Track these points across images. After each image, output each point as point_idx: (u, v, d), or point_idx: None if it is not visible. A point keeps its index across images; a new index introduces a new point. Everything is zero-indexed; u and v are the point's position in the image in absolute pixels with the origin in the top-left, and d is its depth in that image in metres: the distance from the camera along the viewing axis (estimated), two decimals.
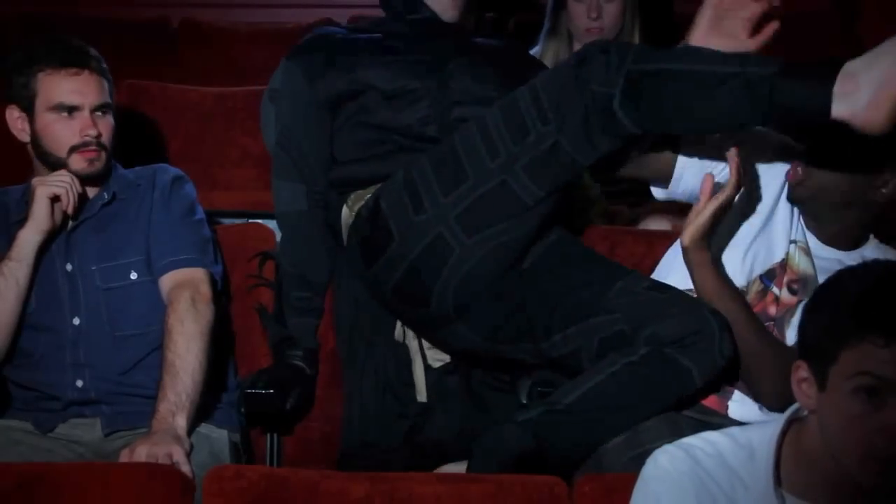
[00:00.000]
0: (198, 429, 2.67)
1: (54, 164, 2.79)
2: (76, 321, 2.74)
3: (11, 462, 2.50)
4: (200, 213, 2.88)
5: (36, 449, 2.66)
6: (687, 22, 4.46)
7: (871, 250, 2.62)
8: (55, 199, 2.73)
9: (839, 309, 1.74)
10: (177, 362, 2.66)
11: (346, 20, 4.62)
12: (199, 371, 2.67)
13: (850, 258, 2.58)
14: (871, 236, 2.64)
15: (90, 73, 2.78)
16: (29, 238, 2.72)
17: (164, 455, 2.50)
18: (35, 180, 2.76)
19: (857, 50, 4.58)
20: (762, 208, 2.62)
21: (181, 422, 2.60)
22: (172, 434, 2.56)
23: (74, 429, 2.71)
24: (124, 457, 2.52)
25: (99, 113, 2.79)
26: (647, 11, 3.57)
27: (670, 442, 2.45)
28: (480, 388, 2.82)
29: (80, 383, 2.72)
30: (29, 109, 2.78)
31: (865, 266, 1.79)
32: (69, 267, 2.77)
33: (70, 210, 2.74)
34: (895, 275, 1.75)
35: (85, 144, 2.77)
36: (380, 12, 4.55)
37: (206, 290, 2.76)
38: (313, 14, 4.67)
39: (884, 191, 2.53)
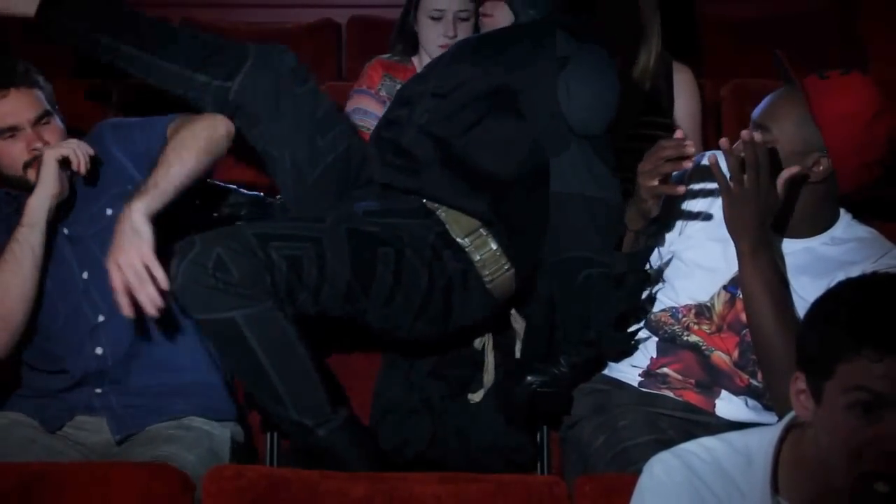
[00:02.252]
0: (199, 425, 2.68)
1: (16, 182, 2.79)
2: (85, 275, 2.76)
3: (12, 462, 2.50)
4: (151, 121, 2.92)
5: (49, 449, 2.65)
6: (709, 23, 4.47)
7: (842, 230, 2.60)
8: (64, 161, 2.72)
9: (835, 323, 1.73)
10: (161, 159, 2.70)
11: (346, 20, 4.63)
12: (193, 165, 2.72)
13: (819, 242, 2.58)
14: (843, 213, 2.63)
15: (17, 90, 2.76)
16: (38, 203, 2.72)
17: (135, 263, 2.58)
18: (45, 148, 2.75)
19: (857, 49, 4.60)
20: (716, 220, 2.62)
21: (138, 205, 2.63)
22: (131, 228, 2.60)
23: (80, 430, 2.72)
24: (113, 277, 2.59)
25: (42, 123, 2.78)
26: (670, 12, 3.58)
27: (650, 439, 2.47)
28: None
29: (99, 350, 2.73)
30: None
31: (863, 279, 1.77)
32: (66, 231, 2.79)
33: (83, 170, 2.72)
34: (890, 288, 1.73)
35: (35, 159, 2.76)
36: (378, 12, 4.59)
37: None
38: (313, 14, 4.67)
39: (818, 169, 2.53)
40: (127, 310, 2.61)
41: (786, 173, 2.48)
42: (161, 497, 2.36)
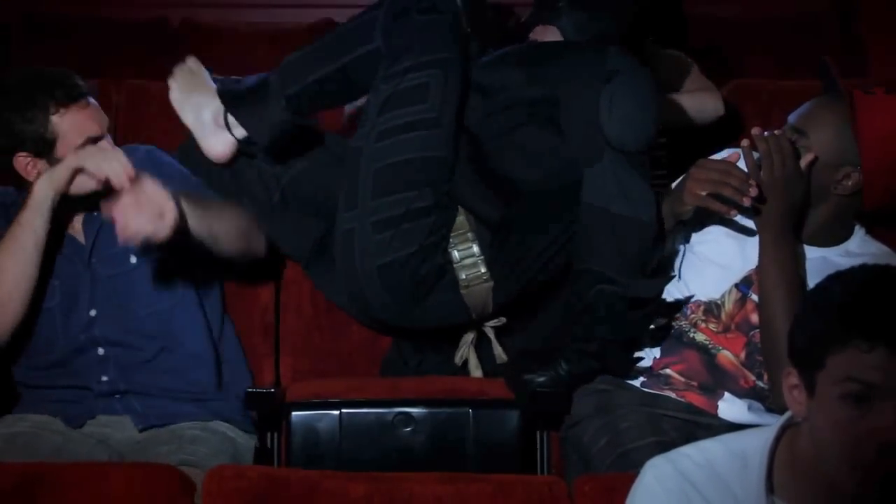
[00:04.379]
0: (224, 430, 2.69)
1: (92, 194, 2.72)
2: (92, 313, 2.74)
3: (12, 462, 2.50)
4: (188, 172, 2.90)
5: (77, 455, 2.64)
6: (709, 24, 4.49)
7: (856, 244, 2.62)
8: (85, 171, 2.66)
9: (825, 314, 1.73)
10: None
11: (346, 20, 4.63)
12: (231, 222, 2.73)
13: (835, 253, 2.59)
14: (858, 228, 2.64)
15: (89, 98, 2.74)
16: (42, 189, 2.64)
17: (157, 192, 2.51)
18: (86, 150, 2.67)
19: (857, 50, 4.60)
20: (735, 218, 2.62)
21: (184, 201, 2.60)
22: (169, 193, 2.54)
23: (104, 427, 2.72)
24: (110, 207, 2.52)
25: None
26: (670, 13, 3.59)
27: (652, 441, 2.47)
28: None
29: (104, 378, 2.73)
30: (46, 153, 2.68)
31: (852, 271, 1.78)
32: (93, 313, 2.76)
33: (126, 183, 2.58)
34: (880, 279, 1.74)
35: None
36: None
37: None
38: (313, 14, 4.67)
39: (847, 183, 2.54)
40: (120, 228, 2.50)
41: (802, 161, 2.50)
42: (161, 497, 2.36)
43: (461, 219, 2.77)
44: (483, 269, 2.75)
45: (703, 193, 2.54)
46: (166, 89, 3.99)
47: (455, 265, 2.74)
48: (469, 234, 2.75)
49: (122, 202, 2.50)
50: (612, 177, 2.66)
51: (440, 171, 2.73)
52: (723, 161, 2.58)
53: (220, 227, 2.70)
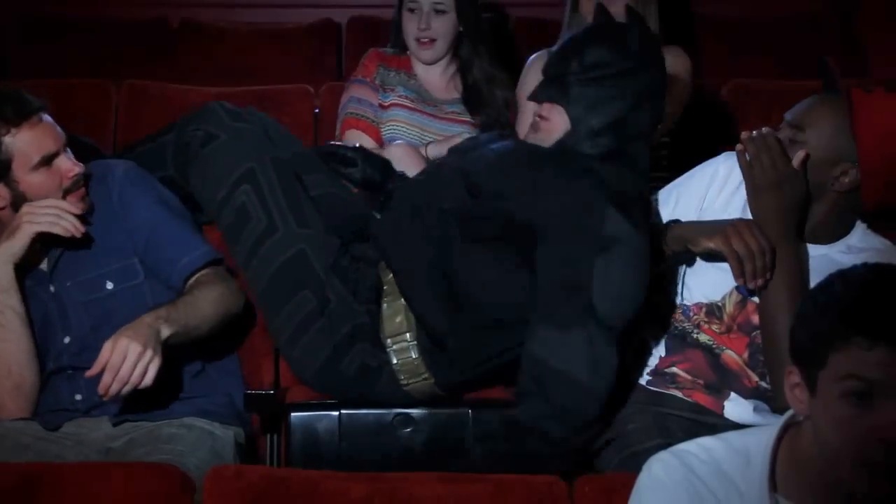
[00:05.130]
0: (201, 425, 2.67)
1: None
2: (66, 340, 2.73)
3: (12, 462, 2.50)
4: (170, 194, 2.88)
5: (43, 454, 2.63)
6: (709, 24, 4.49)
7: (857, 238, 2.61)
8: (40, 234, 2.66)
9: (826, 313, 1.74)
10: (188, 298, 2.67)
11: (347, 20, 4.64)
12: (209, 315, 2.67)
13: (836, 249, 2.59)
14: (858, 223, 2.63)
15: (42, 115, 2.69)
16: (6, 271, 2.65)
17: (139, 352, 2.47)
18: (25, 206, 2.66)
19: (857, 50, 4.60)
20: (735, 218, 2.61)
21: (165, 331, 2.56)
22: (154, 333, 2.52)
23: (80, 427, 2.71)
24: (106, 347, 2.48)
25: (65, 147, 2.72)
26: (670, 13, 3.59)
27: (659, 443, 2.47)
28: None
29: (78, 397, 2.72)
30: (2, 176, 2.65)
31: (854, 269, 1.79)
32: (52, 288, 2.75)
33: (78, 234, 2.66)
34: (881, 277, 1.75)
35: (75, 184, 2.70)
36: (378, 12, 4.60)
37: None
38: (313, 14, 4.68)
39: (844, 180, 2.53)
40: (102, 388, 2.50)
41: (795, 160, 2.51)
42: (161, 497, 2.36)
43: (400, 319, 2.72)
44: (422, 370, 2.71)
45: (734, 249, 2.50)
46: (166, 89, 4.01)
47: (394, 367, 2.71)
48: (407, 335, 2.72)
49: (104, 378, 2.49)
50: (585, 349, 2.49)
51: (304, 266, 2.75)
52: (767, 242, 2.52)
53: (204, 322, 2.69)
